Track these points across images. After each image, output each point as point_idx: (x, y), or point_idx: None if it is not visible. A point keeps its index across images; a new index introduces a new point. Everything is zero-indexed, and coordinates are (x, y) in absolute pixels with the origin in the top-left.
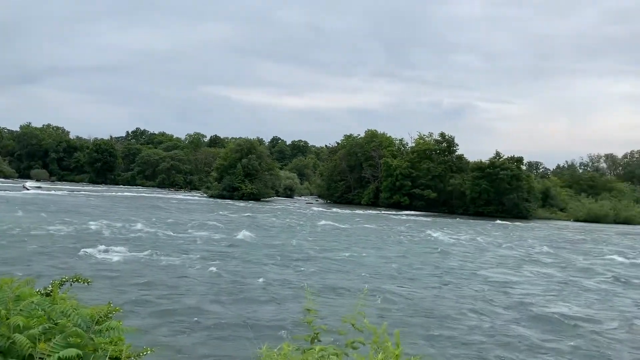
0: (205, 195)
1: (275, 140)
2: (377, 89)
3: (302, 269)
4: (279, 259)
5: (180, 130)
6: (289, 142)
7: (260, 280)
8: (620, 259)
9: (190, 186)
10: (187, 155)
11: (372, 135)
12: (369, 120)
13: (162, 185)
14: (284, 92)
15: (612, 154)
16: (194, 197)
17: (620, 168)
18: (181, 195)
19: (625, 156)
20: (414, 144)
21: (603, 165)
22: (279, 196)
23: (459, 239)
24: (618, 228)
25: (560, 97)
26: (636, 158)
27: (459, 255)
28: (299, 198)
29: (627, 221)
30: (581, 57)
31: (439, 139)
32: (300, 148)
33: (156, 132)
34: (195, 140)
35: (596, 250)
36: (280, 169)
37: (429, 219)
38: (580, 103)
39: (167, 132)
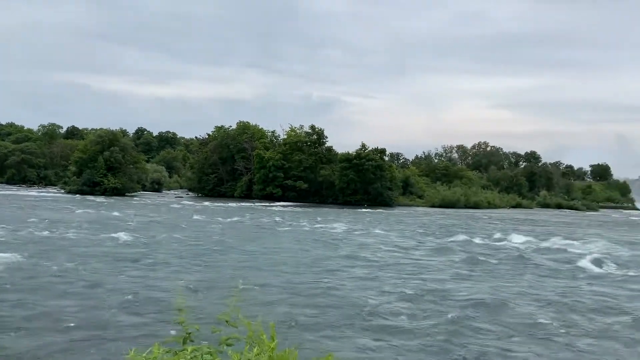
0: (62, 191)
1: (140, 132)
2: (249, 80)
3: (189, 266)
4: (159, 257)
5: (31, 121)
6: (155, 133)
7: (142, 281)
8: (514, 242)
9: (45, 182)
10: (40, 148)
11: (244, 127)
12: (240, 112)
13: (11, 182)
14: (148, 81)
15: (462, 145)
16: (50, 193)
17: (469, 158)
18: (35, 192)
19: (473, 147)
20: (285, 136)
21: (455, 155)
22: (145, 190)
23: (341, 227)
24: (474, 212)
25: (417, 93)
26: (483, 149)
27: (347, 243)
28: (167, 192)
29: (475, 205)
30: (436, 55)
31: (310, 131)
32: (168, 140)
33: (3, 123)
34: (50, 132)
35: (477, 233)
36: (147, 161)
37: (303, 209)
38: (434, 99)
39: (16, 123)
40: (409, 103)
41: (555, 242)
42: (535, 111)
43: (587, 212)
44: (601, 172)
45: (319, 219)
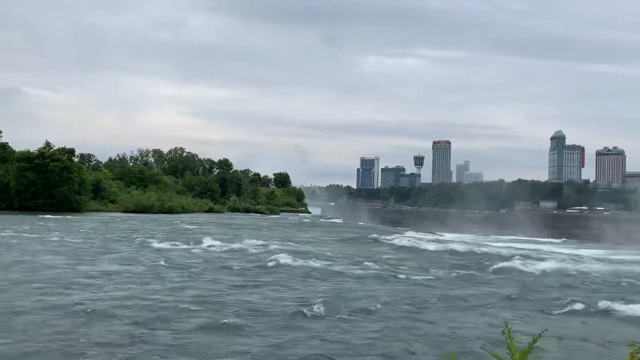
0: None
1: None
2: None
3: None
4: None
5: None
6: None
7: None
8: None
9: None
10: None
11: None
12: None
13: None
14: None
15: (159, 149)
16: None
17: (166, 162)
18: None
19: (170, 152)
20: None
21: (151, 159)
22: None
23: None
24: (168, 217)
25: (111, 92)
26: (179, 154)
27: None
28: None
29: (170, 210)
30: (130, 56)
31: None
32: None
33: None
34: None
35: (172, 238)
36: None
37: None
38: (130, 100)
39: None
40: (102, 102)
41: (248, 243)
42: (228, 121)
43: (271, 215)
44: (282, 179)
45: None
